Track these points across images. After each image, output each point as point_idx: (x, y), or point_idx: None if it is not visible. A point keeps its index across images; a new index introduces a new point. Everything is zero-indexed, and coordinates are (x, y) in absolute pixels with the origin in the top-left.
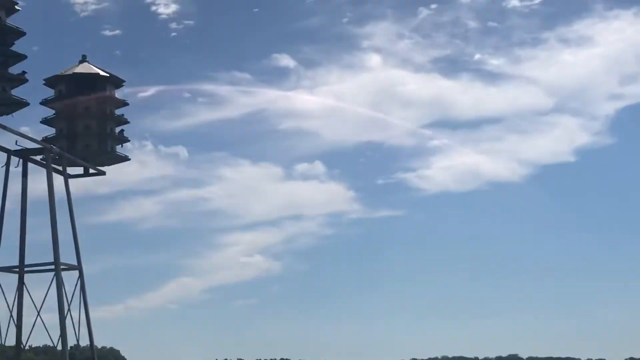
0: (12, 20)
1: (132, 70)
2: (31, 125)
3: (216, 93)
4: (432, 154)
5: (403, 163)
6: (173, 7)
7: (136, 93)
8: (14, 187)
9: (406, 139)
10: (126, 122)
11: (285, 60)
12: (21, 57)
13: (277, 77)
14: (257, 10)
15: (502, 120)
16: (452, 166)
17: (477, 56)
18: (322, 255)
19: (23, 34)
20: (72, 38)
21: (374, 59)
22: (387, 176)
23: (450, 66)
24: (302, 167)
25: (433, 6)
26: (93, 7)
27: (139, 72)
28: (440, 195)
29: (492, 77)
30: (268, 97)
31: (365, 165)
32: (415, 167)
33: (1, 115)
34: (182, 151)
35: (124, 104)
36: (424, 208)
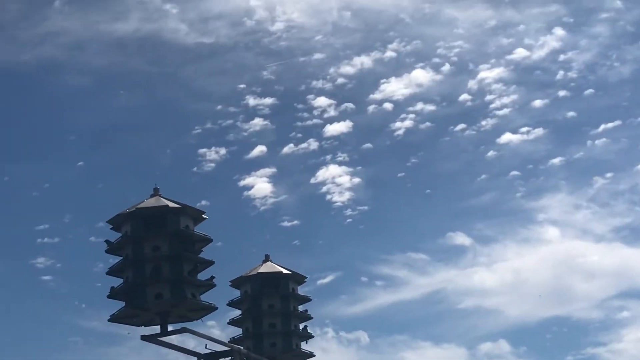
0: (199, 229)
1: (311, 258)
2: (219, 325)
3: (393, 275)
4: (623, 326)
5: (592, 337)
6: (347, 195)
7: (315, 280)
8: None
9: (593, 311)
10: (309, 318)
11: (461, 238)
12: (209, 263)
13: (453, 255)
14: (429, 191)
15: None
16: None
17: None
18: None
19: (210, 240)
20: (253, 232)
21: (552, 232)
22: (576, 352)
23: (633, 234)
24: (486, 346)
25: (608, 175)
26: (272, 200)
27: (317, 259)
28: None
29: None
30: (446, 276)
31: (552, 341)
32: (606, 341)
33: (191, 321)
34: (363, 336)
35: (306, 300)
36: None
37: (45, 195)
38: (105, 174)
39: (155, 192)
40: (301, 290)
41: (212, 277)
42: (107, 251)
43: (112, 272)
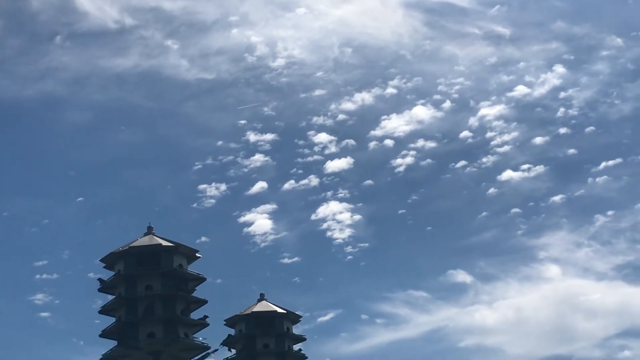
0: (195, 267)
1: (311, 295)
2: None
3: (394, 313)
4: None
5: None
6: (348, 232)
7: (315, 318)
8: None
9: (595, 350)
10: (304, 357)
11: (462, 276)
12: (202, 302)
13: (454, 293)
14: (430, 228)
15: None
16: None
17: None
18: None
19: (204, 279)
20: (253, 269)
21: (553, 270)
22: None
23: (634, 272)
24: None
25: (609, 213)
26: (272, 237)
27: (317, 297)
28: None
29: None
30: (446, 314)
31: None
32: None
33: None
34: None
35: (301, 339)
36: None
37: (45, 231)
38: (105, 210)
39: (149, 231)
40: (300, 328)
41: (205, 317)
42: (100, 290)
43: (105, 311)
